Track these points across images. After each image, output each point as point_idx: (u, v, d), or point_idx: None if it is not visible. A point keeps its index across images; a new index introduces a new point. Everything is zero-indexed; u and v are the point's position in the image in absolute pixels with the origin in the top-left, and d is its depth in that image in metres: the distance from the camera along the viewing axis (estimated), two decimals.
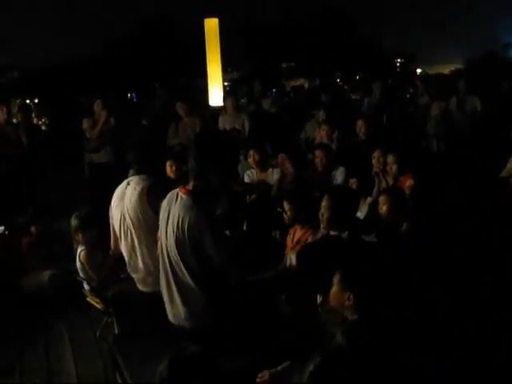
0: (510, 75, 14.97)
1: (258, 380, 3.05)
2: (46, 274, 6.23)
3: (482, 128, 9.30)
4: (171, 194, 3.47)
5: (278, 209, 5.38)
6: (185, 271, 3.30)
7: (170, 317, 3.51)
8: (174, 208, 3.34)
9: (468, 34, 46.28)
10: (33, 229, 6.66)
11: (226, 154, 3.34)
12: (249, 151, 6.88)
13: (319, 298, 3.56)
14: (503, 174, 6.43)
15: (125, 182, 4.40)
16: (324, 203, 4.25)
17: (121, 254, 4.49)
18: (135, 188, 4.21)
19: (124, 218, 4.24)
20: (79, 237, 5.29)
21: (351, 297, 2.86)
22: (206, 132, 4.03)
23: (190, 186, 3.35)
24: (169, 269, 3.41)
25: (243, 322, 3.33)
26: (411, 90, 15.41)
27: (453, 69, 31.56)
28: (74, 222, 5.36)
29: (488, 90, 11.48)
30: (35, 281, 6.26)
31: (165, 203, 3.49)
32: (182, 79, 26.65)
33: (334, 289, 2.93)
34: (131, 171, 4.46)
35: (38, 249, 6.62)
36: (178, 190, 3.42)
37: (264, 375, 3.06)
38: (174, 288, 3.40)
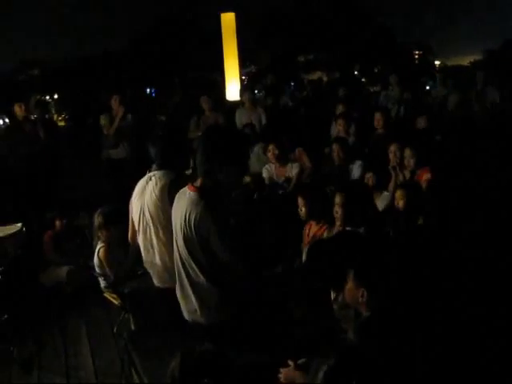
0: None
1: (280, 375, 3.00)
2: (64, 270, 6.30)
3: (502, 120, 9.19)
4: (181, 192, 3.46)
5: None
6: (195, 267, 3.29)
7: (185, 314, 3.51)
8: (182, 205, 3.33)
9: (489, 25, 45.75)
10: (57, 222, 6.70)
11: (235, 151, 3.29)
12: (268, 146, 6.89)
13: (333, 294, 3.55)
14: None
15: (147, 176, 4.39)
16: (337, 200, 4.23)
17: (138, 247, 4.50)
18: (157, 183, 4.20)
19: (143, 213, 4.24)
20: (102, 234, 5.29)
21: (365, 293, 2.85)
22: (215, 128, 3.95)
23: (197, 183, 3.34)
24: (180, 266, 3.41)
25: (256, 318, 3.31)
26: (430, 82, 15.30)
27: (472, 60, 31.21)
28: (98, 218, 5.34)
29: (507, 81, 11.33)
30: (54, 276, 6.34)
31: (176, 201, 3.50)
32: (201, 73, 26.68)
33: (349, 285, 2.91)
34: (154, 166, 4.45)
35: (61, 242, 6.66)
36: (186, 187, 3.41)
37: (288, 371, 3.00)
38: (186, 285, 3.40)
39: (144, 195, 4.26)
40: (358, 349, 2.59)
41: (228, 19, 12.67)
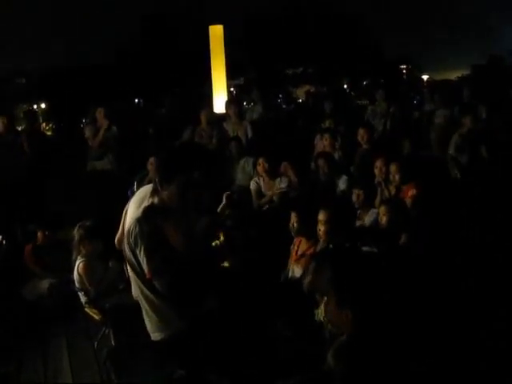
0: None
1: None
2: (45, 283, 6.22)
3: (486, 135, 9.22)
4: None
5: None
6: (141, 285, 3.23)
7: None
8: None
9: (476, 40, 46.18)
10: (39, 234, 6.62)
11: (192, 169, 3.21)
12: (258, 159, 6.88)
13: (320, 313, 3.50)
14: None
15: (150, 188, 4.35)
16: (321, 217, 4.20)
17: (119, 263, 4.44)
18: None
19: None
20: (83, 248, 5.23)
21: (349, 314, 2.79)
22: (173, 147, 3.86)
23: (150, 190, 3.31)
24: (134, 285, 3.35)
25: (223, 336, 3.26)
26: (418, 97, 15.35)
27: (460, 75, 31.45)
28: (78, 232, 5.29)
29: (493, 96, 11.39)
30: (35, 289, 6.25)
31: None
32: (189, 86, 26.70)
33: (331, 305, 2.85)
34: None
35: (42, 255, 6.57)
36: None
37: None
38: (142, 300, 3.32)
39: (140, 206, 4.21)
40: (334, 374, 2.53)
41: (216, 31, 12.69)
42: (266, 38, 29.97)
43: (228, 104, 9.63)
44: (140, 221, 3.16)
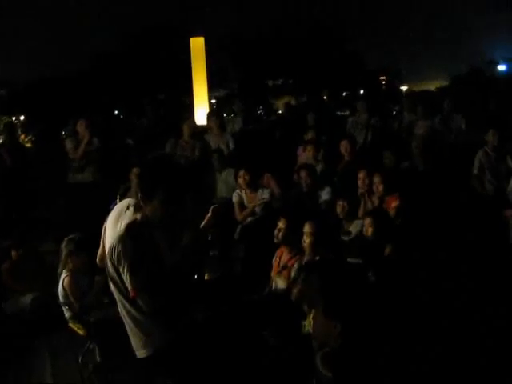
0: (495, 93, 15.08)
1: None
2: (28, 297, 6.13)
3: (467, 147, 9.32)
4: None
5: None
6: (124, 301, 3.21)
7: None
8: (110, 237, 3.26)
9: (454, 51, 46.66)
10: (13, 253, 6.54)
11: (174, 183, 3.19)
12: (239, 171, 6.87)
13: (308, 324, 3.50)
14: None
15: (126, 202, 4.31)
16: (306, 229, 4.21)
17: (104, 277, 4.39)
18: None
19: None
20: (70, 262, 5.17)
21: (338, 326, 2.79)
22: (149, 162, 3.85)
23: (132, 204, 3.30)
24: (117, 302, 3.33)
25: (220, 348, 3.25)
26: (397, 108, 15.45)
27: (439, 86, 31.74)
28: (67, 247, 5.24)
29: (473, 108, 11.52)
30: (17, 304, 6.17)
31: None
32: (169, 96, 26.67)
33: (319, 318, 2.86)
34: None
35: (19, 273, 6.48)
36: None
37: None
38: (125, 317, 3.29)
39: (119, 222, 4.18)
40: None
41: (197, 44, 12.72)
42: (248, 51, 30.04)
43: (210, 116, 9.65)
44: (123, 238, 3.14)
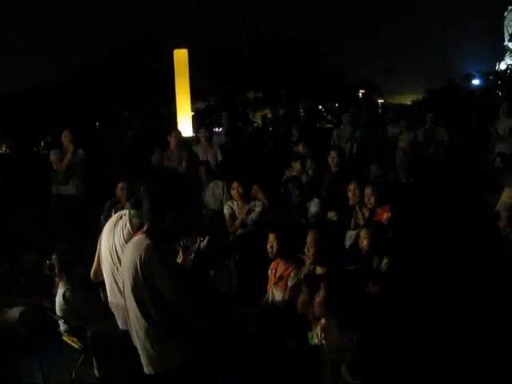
0: (472, 106, 15.36)
1: None
2: (16, 310, 6.03)
3: (450, 158, 9.47)
4: (131, 241, 3.37)
5: None
6: (142, 319, 3.16)
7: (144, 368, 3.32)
8: (132, 251, 3.23)
9: (428, 65, 47.36)
10: None
11: (180, 198, 3.21)
12: (232, 183, 6.85)
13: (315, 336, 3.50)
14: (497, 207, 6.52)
15: (118, 214, 4.29)
16: (309, 238, 4.22)
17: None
18: (126, 225, 4.11)
19: (111, 254, 4.13)
20: (63, 275, 5.11)
21: (354, 336, 2.79)
22: (160, 175, 3.87)
23: (144, 229, 3.27)
24: (130, 321, 3.29)
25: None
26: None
27: (414, 99, 32.11)
28: (59, 260, 5.18)
29: (454, 120, 11.71)
30: (5, 317, 6.06)
31: (125, 250, 3.42)
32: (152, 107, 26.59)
33: (333, 331, 2.87)
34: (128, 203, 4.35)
35: (5, 287, 6.36)
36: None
37: None
38: (141, 338, 3.23)
39: (113, 235, 4.15)
40: None
41: (181, 55, 12.71)
42: (229, 64, 30.08)
43: (198, 128, 9.67)
44: (153, 247, 3.12)
